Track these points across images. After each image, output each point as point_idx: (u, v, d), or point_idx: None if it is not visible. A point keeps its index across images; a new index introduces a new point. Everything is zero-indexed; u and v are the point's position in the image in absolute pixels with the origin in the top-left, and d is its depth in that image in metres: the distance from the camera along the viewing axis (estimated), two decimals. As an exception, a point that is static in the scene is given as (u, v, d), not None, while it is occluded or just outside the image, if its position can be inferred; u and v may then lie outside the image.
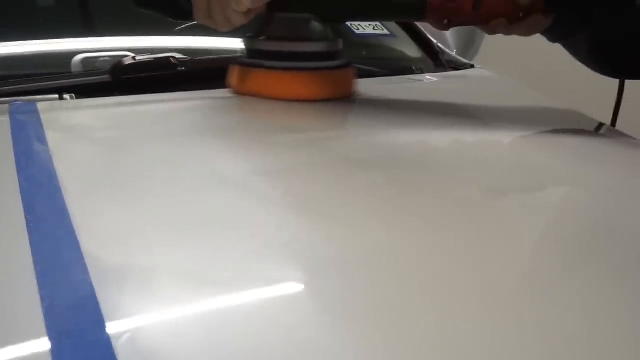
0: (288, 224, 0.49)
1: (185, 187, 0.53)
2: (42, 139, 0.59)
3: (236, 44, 1.11)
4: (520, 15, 0.75)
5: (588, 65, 0.86)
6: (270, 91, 0.73)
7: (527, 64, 1.69)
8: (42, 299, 0.37)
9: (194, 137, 0.65)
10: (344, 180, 0.57)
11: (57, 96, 0.76)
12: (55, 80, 0.80)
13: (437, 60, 1.05)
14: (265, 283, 0.42)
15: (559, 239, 0.51)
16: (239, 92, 0.76)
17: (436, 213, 0.53)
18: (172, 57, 0.85)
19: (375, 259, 0.45)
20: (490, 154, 0.67)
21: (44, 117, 0.65)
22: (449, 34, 1.12)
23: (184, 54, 0.87)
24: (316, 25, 0.74)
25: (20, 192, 0.49)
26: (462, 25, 0.78)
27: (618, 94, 0.87)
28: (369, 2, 0.73)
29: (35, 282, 0.38)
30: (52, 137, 0.60)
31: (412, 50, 1.07)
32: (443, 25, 0.76)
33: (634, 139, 0.77)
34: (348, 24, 1.03)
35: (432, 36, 1.07)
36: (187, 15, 1.02)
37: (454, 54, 1.10)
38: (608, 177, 0.64)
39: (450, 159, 0.64)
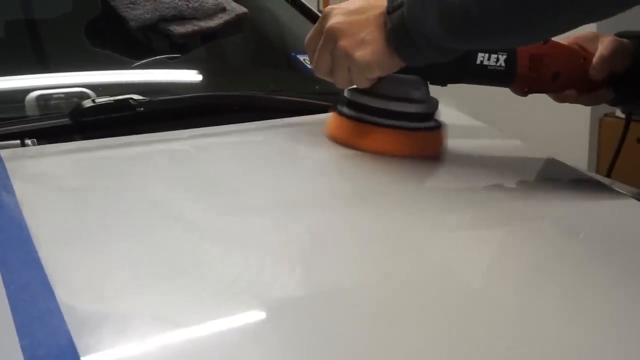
0: (249, 264, 0.52)
1: (152, 233, 0.55)
2: (10, 189, 0.61)
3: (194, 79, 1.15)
4: (589, 88, 0.85)
5: None
6: (369, 145, 0.77)
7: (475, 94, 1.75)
8: (23, 349, 0.39)
9: (159, 182, 0.68)
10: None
11: (18, 142, 0.77)
12: (15, 125, 0.81)
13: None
14: (230, 322, 0.45)
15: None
16: (337, 141, 0.79)
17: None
18: (131, 98, 0.87)
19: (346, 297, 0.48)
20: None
21: (8, 166, 0.67)
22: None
23: (139, 90, 0.89)
24: (422, 87, 0.79)
25: (-8, 244, 0.51)
26: (538, 93, 0.85)
27: (621, 137, 0.95)
28: (469, 68, 0.80)
29: (15, 333, 0.40)
30: (19, 187, 0.61)
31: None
32: (524, 92, 0.85)
33: (572, 167, 0.82)
34: (300, 57, 1.06)
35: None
36: (143, 53, 1.05)
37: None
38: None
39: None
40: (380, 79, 0.74)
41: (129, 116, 0.84)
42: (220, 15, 1.10)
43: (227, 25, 1.09)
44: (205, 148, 0.80)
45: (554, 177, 0.83)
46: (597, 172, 2.01)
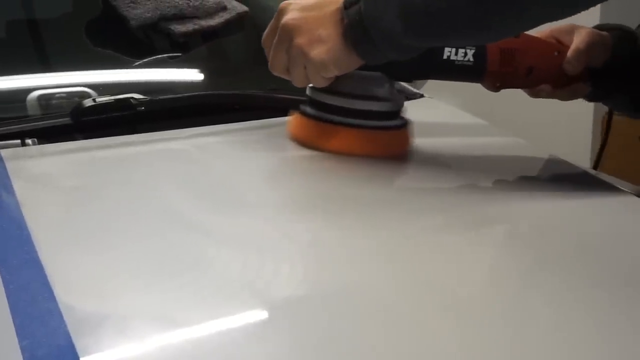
0: (249, 263, 0.52)
1: (153, 232, 0.55)
2: (10, 189, 0.61)
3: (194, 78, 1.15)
4: (564, 82, 0.81)
5: (631, 116, 0.93)
6: (333, 145, 0.74)
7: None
8: (23, 350, 0.39)
9: (159, 181, 0.68)
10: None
11: (19, 142, 0.77)
12: (15, 125, 0.81)
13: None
14: (230, 321, 0.45)
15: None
16: (299, 142, 0.76)
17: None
18: (132, 97, 0.87)
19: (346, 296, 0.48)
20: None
21: (9, 165, 0.67)
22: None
23: (140, 89, 0.89)
24: (386, 84, 0.76)
25: (-8, 244, 0.51)
26: (511, 88, 0.82)
27: (605, 132, 0.93)
28: (435, 63, 0.77)
29: (14, 333, 0.40)
30: (19, 187, 0.61)
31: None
32: (495, 87, 0.82)
33: (571, 163, 0.82)
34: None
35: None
36: (144, 53, 1.05)
37: (405, 83, 1.14)
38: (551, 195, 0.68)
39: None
40: (341, 76, 0.71)
41: (129, 115, 0.84)
42: (221, 13, 1.09)
43: (228, 24, 1.09)
44: (205, 147, 0.80)
45: (552, 174, 0.82)
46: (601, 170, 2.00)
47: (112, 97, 0.85)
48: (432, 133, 0.85)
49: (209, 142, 0.81)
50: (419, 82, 1.16)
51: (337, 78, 0.71)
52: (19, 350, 0.39)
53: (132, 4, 1.04)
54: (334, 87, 0.73)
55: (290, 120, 0.79)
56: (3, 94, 1.00)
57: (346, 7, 0.66)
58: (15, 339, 0.39)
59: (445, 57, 0.77)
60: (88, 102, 0.84)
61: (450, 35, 0.66)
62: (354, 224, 0.60)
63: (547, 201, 0.68)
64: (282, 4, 0.71)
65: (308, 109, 0.77)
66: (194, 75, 1.13)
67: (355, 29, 0.65)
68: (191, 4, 1.06)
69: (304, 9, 0.69)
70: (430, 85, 1.04)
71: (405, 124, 0.79)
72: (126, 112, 0.84)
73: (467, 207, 0.65)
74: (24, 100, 0.90)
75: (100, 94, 0.88)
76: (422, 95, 1.06)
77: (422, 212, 0.64)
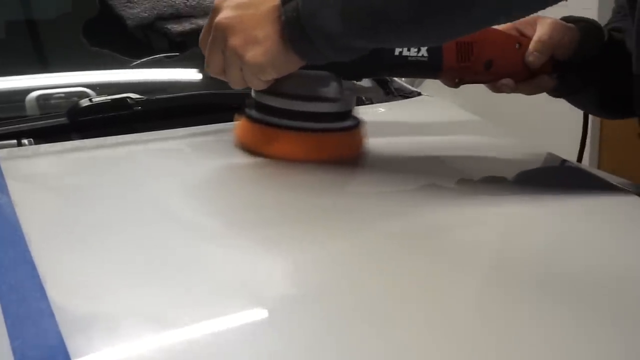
0: (246, 263, 0.51)
1: (146, 232, 0.55)
2: (4, 189, 0.61)
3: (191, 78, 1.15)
4: (528, 76, 0.78)
5: (596, 115, 0.90)
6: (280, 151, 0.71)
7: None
8: (14, 350, 0.38)
9: (153, 181, 0.67)
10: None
11: (15, 142, 0.77)
12: (12, 125, 0.81)
13: (387, 89, 1.08)
14: (223, 322, 0.45)
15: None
16: (245, 148, 0.73)
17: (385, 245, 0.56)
18: (129, 97, 0.87)
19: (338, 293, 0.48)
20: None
21: (4, 165, 0.67)
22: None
23: (138, 89, 0.89)
24: (333, 83, 0.72)
25: (-15, 244, 0.51)
26: (471, 83, 0.79)
27: (583, 129, 0.92)
28: (387, 59, 0.73)
29: (5, 333, 0.40)
30: (14, 187, 0.61)
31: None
32: (454, 83, 0.78)
33: (570, 161, 0.82)
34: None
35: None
36: (141, 52, 1.05)
37: (401, 81, 1.14)
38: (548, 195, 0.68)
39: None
40: (286, 76, 0.66)
41: (126, 115, 0.84)
42: (218, 13, 1.09)
43: (224, 23, 1.09)
44: (201, 146, 0.80)
45: (548, 172, 0.82)
46: (599, 168, 1.99)
47: (109, 97, 0.85)
48: (414, 132, 0.84)
49: (205, 141, 0.81)
50: (416, 80, 1.16)
51: (282, 78, 0.67)
52: (10, 351, 0.38)
53: (128, 4, 1.03)
54: (278, 88, 0.69)
55: (236, 125, 0.75)
56: (1, 94, 1.00)
57: (284, 3, 0.62)
58: (7, 340, 0.39)
59: (397, 53, 0.73)
60: (84, 102, 0.84)
61: (392, 37, 0.63)
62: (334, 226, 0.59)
63: (543, 200, 0.68)
64: (217, 1, 0.67)
65: (253, 112, 0.73)
66: (190, 75, 1.13)
67: (293, 26, 0.61)
68: (188, 3, 1.06)
69: (239, 6, 0.64)
70: (430, 84, 1.04)
71: (357, 125, 0.75)
72: (123, 112, 0.84)
73: (449, 209, 0.64)
74: (22, 100, 0.90)
75: (98, 94, 0.88)
76: (419, 93, 1.06)
77: (383, 217, 0.61)
